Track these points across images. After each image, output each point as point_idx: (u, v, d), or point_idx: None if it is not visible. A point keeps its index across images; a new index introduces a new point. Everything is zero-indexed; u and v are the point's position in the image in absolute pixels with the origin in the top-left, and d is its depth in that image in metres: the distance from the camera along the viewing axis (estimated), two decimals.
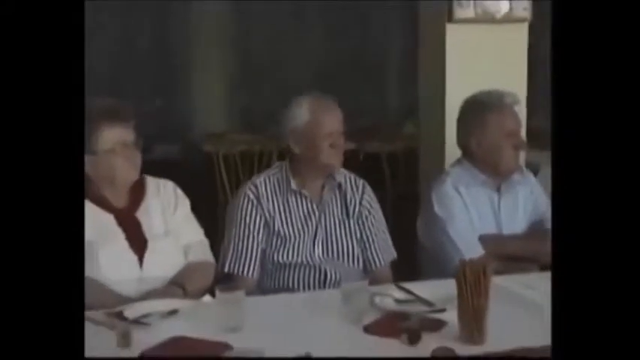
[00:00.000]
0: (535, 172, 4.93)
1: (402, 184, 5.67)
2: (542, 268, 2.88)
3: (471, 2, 3.87)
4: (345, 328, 2.15)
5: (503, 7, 3.91)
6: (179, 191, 2.66)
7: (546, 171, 4.97)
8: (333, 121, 2.71)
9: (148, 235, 2.50)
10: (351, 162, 6.62)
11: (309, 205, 2.76)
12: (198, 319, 2.16)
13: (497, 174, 2.90)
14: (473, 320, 2.01)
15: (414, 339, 2.00)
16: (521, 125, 2.89)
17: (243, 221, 2.71)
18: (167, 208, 2.59)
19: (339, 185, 2.80)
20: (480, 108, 2.87)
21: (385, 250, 2.83)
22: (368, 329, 2.12)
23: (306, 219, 2.74)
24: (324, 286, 2.66)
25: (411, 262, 3.00)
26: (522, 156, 4.34)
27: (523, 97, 4.13)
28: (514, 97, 2.88)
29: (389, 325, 2.12)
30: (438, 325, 2.11)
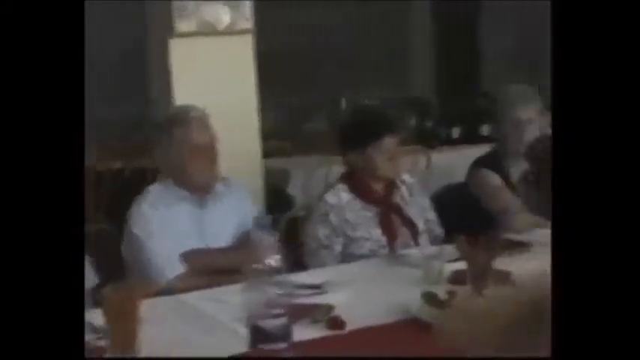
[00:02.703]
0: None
1: None
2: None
3: (192, 15, 3.87)
4: None
5: (225, 19, 3.93)
6: None
7: (320, 172, 5.01)
8: None
9: None
10: (117, 179, 6.40)
11: None
12: None
13: (193, 188, 2.88)
14: (122, 345, 1.97)
15: None
16: (212, 139, 2.88)
17: None
18: None
19: None
20: (167, 123, 2.85)
21: None
22: None
23: None
24: None
25: None
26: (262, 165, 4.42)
27: (253, 107, 4.19)
28: (201, 111, 2.87)
29: None
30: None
